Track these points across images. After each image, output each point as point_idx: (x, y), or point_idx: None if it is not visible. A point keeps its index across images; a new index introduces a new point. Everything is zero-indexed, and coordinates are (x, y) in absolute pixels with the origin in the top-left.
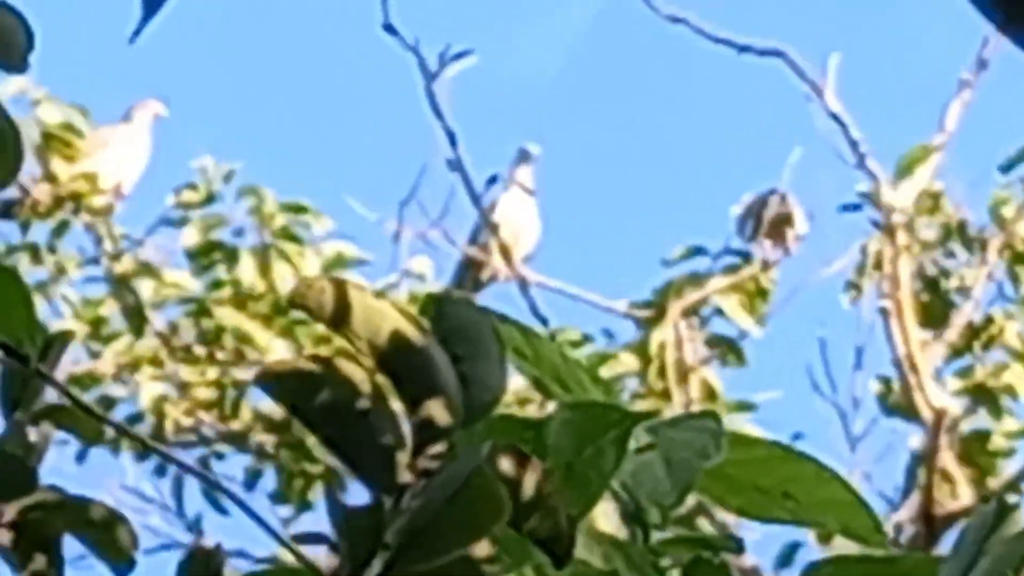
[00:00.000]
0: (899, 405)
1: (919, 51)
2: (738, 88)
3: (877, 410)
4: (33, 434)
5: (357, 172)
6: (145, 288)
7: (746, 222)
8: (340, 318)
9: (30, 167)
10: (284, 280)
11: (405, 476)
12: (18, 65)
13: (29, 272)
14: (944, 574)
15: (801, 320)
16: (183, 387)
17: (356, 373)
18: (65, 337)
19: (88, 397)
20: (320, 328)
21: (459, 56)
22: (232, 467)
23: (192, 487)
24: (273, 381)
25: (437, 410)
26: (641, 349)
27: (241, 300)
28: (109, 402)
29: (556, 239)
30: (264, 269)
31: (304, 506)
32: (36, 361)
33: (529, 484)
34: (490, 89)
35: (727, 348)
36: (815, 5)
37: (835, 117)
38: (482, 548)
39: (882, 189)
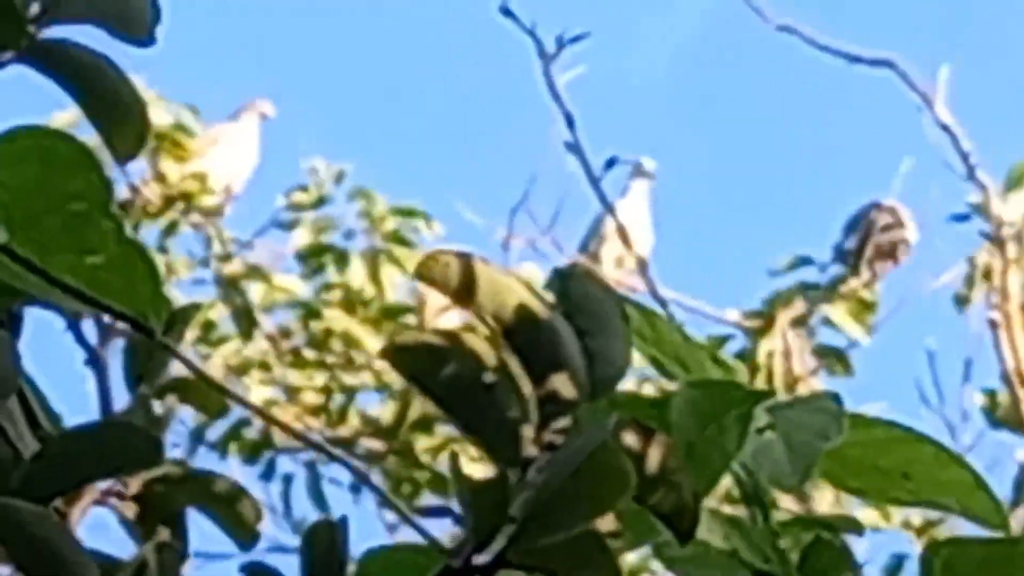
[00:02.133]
0: (1007, 418)
1: None
2: (848, 98)
3: (984, 423)
4: (158, 407)
5: (468, 177)
6: (254, 291)
7: (849, 235)
8: (466, 292)
9: (141, 167)
10: (394, 284)
11: (530, 449)
12: (144, 38)
13: None
14: None
15: (909, 331)
16: (291, 391)
17: (482, 346)
18: (191, 312)
19: None
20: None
21: (577, 39)
22: (338, 472)
23: (299, 491)
24: (400, 354)
25: (562, 384)
26: (749, 359)
27: (351, 304)
28: None
29: (664, 248)
30: (374, 273)
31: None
32: (161, 334)
33: (654, 458)
34: (596, 88)
35: (835, 358)
36: (927, 15)
37: (945, 128)
38: (607, 522)
39: (992, 201)
